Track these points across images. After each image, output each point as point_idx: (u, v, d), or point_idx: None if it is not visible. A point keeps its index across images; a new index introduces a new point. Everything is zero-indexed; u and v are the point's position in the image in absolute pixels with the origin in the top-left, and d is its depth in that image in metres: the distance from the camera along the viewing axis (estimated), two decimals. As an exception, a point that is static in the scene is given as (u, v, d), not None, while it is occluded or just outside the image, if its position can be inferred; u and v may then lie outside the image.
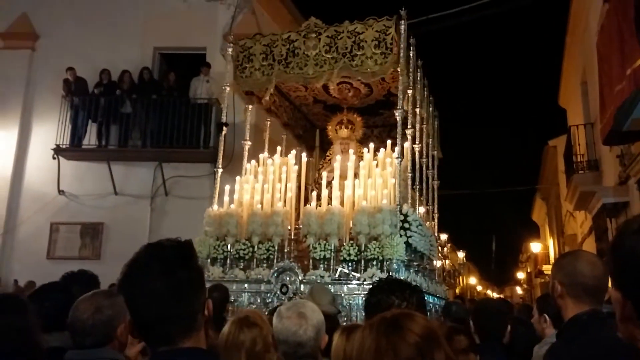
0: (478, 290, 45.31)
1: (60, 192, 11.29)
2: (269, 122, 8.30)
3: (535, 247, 25.35)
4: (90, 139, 11.30)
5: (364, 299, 2.56)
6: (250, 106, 7.74)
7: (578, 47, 13.55)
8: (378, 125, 9.19)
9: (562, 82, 16.41)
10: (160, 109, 11.11)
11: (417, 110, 7.26)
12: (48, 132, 11.41)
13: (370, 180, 6.54)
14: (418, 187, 7.53)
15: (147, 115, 11.17)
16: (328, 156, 8.51)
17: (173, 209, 10.89)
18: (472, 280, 43.03)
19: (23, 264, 10.85)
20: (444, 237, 17.83)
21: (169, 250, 1.50)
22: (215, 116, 10.76)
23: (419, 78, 7.44)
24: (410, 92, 6.74)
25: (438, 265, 8.77)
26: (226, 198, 6.88)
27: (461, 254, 28.26)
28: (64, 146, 11.21)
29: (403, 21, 6.46)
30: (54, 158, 11.21)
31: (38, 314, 2.47)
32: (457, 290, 34.62)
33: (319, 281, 5.75)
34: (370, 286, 2.50)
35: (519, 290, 41.44)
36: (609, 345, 1.98)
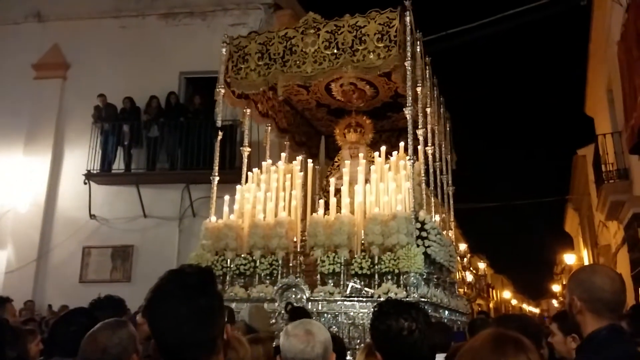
0: (513, 304, 44.37)
1: (92, 216, 11.56)
2: (269, 128, 7.93)
3: (569, 258, 24.77)
4: (119, 164, 11.58)
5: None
6: (248, 110, 7.27)
7: (602, 55, 13.37)
8: (386, 130, 8.63)
9: (588, 90, 16.17)
10: (187, 131, 11.33)
11: (428, 110, 6.74)
12: (79, 158, 11.70)
13: (382, 185, 5.93)
14: (433, 192, 6.96)
15: (174, 138, 11.40)
16: (336, 162, 7.95)
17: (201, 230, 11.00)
18: (506, 294, 42.17)
19: (56, 288, 11.09)
20: (462, 246, 17.30)
21: (190, 277, 1.56)
22: (240, 137, 10.90)
23: (427, 76, 6.95)
24: (419, 89, 6.25)
25: (469, 279, 8.28)
26: (225, 208, 6.37)
27: (482, 265, 27.40)
28: (94, 171, 11.49)
29: (408, 12, 6.03)
30: (85, 183, 11.49)
31: (63, 339, 2.56)
32: (491, 305, 33.96)
33: (327, 298, 5.28)
34: (374, 311, 2.36)
35: (555, 303, 40.49)
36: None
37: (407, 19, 6.03)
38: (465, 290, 14.29)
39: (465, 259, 16.93)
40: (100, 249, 11.41)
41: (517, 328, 3.24)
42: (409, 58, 5.97)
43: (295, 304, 5.28)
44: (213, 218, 6.41)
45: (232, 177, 10.65)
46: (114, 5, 12.75)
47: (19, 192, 11.83)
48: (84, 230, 11.52)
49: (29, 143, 12.17)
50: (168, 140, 11.52)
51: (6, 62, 12.55)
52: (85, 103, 11.87)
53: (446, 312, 6.14)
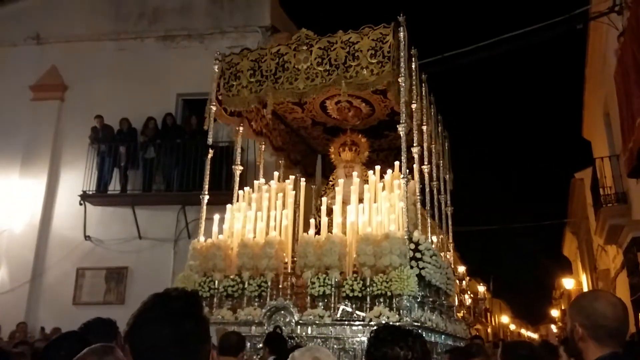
0: (511, 329, 44.01)
1: (87, 237, 11.47)
2: (262, 147, 7.86)
3: (568, 283, 24.63)
4: (115, 185, 11.54)
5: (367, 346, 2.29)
6: (241, 129, 7.23)
7: (598, 78, 13.46)
8: (384, 149, 8.53)
9: (585, 113, 16.24)
10: (183, 153, 11.31)
11: (424, 128, 6.61)
12: (75, 179, 11.68)
13: (375, 204, 5.80)
14: (429, 212, 6.75)
15: (170, 159, 11.37)
16: (331, 181, 7.82)
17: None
18: (505, 318, 41.85)
19: (50, 310, 10.96)
20: (461, 269, 17.06)
21: (175, 301, 1.51)
22: (235, 159, 10.88)
23: (424, 93, 6.83)
24: (414, 106, 6.15)
25: (468, 303, 8.06)
26: (215, 228, 6.24)
27: (481, 288, 27.12)
28: (90, 192, 11.45)
29: (402, 28, 5.94)
30: (80, 204, 11.44)
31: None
32: (490, 330, 33.63)
33: (317, 322, 5.12)
34: (370, 337, 2.30)
35: (554, 328, 40.16)
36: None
37: (401, 34, 5.95)
38: (464, 314, 14.04)
39: (464, 282, 16.65)
40: (94, 270, 11.30)
41: (525, 356, 3.21)
42: (402, 74, 5.87)
43: (283, 328, 5.11)
44: (202, 238, 6.28)
45: (227, 198, 10.62)
46: (113, 27, 12.84)
47: (15, 212, 11.77)
48: (78, 251, 11.43)
49: (25, 164, 12.15)
50: (164, 161, 11.50)
51: (4, 84, 12.59)
52: (83, 124, 11.88)
53: (442, 337, 5.93)
